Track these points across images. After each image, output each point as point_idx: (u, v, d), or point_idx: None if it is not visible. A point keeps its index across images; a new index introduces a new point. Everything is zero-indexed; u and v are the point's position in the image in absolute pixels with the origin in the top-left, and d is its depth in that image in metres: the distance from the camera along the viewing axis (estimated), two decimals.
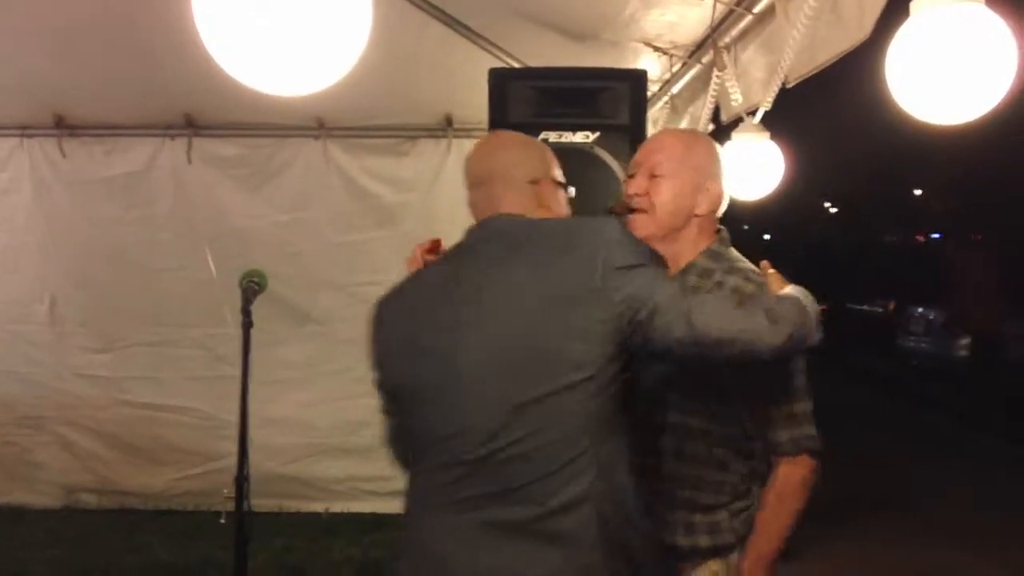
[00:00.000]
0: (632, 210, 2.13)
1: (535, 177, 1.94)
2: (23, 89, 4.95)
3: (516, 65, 4.13)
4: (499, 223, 1.88)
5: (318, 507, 5.33)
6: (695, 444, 2.05)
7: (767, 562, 2.04)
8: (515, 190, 1.92)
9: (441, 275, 1.91)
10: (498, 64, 3.99)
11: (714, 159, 2.16)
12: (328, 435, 5.25)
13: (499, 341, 1.75)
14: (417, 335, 1.85)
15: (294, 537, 4.80)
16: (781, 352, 1.78)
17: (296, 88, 1.94)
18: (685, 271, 2.11)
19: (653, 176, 2.11)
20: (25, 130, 5.24)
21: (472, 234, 1.92)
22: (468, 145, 5.03)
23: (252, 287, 2.70)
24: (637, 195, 2.12)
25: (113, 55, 4.56)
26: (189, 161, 5.22)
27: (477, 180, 1.97)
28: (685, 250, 2.13)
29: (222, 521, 2.93)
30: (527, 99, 3.36)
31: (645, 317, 1.71)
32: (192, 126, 5.21)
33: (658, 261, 1.89)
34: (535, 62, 4.08)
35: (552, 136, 3.24)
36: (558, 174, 2.02)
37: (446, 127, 5.16)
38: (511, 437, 1.72)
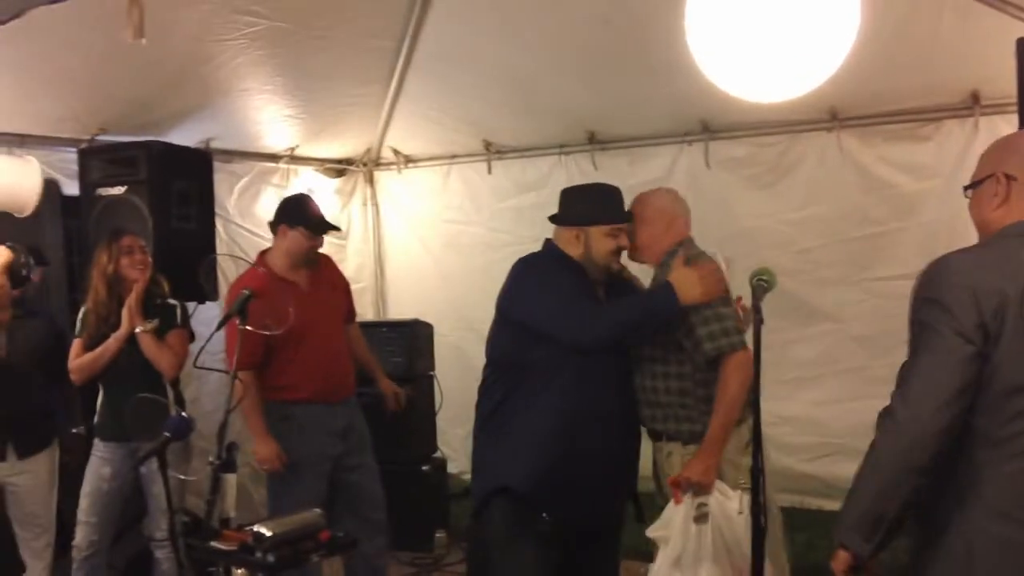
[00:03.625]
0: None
1: None
2: (562, 112, 5.58)
3: None
4: None
5: (839, 506, 5.19)
6: None
7: None
8: None
9: None
10: None
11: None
12: (841, 435, 5.08)
13: None
14: None
15: (815, 535, 4.71)
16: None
17: (783, 94, 1.93)
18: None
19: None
20: (562, 148, 5.85)
21: None
22: (999, 123, 4.60)
23: (761, 285, 2.72)
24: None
25: (636, 75, 4.97)
26: (708, 166, 5.42)
27: None
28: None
29: (740, 512, 3.00)
30: None
31: None
32: (708, 131, 5.40)
33: None
34: None
35: None
36: None
37: (972, 105, 4.70)
38: None
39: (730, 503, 2.75)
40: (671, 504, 2.89)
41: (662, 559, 2.80)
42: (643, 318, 2.97)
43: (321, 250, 3.98)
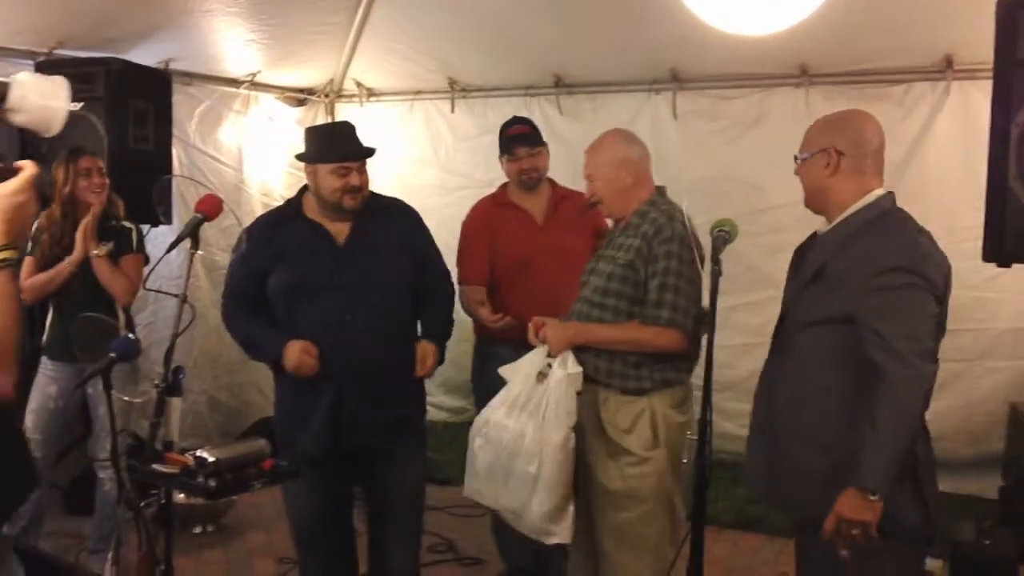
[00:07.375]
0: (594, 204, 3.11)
1: None
2: (530, 54, 5.49)
3: None
4: None
5: None
6: None
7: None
8: None
9: None
10: None
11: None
12: None
13: None
14: None
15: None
16: None
17: (760, 27, 1.91)
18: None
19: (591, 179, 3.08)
20: (528, 90, 5.76)
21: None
22: (970, 88, 4.60)
23: (722, 236, 2.71)
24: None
25: (607, 17, 4.87)
26: (675, 116, 5.38)
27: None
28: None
29: (684, 461, 3.05)
30: None
31: None
32: (677, 80, 5.35)
33: None
34: None
35: None
36: None
37: (944, 68, 4.69)
38: None
39: (560, 371, 2.87)
40: (535, 352, 2.98)
41: (500, 395, 2.99)
42: (247, 344, 3.14)
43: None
